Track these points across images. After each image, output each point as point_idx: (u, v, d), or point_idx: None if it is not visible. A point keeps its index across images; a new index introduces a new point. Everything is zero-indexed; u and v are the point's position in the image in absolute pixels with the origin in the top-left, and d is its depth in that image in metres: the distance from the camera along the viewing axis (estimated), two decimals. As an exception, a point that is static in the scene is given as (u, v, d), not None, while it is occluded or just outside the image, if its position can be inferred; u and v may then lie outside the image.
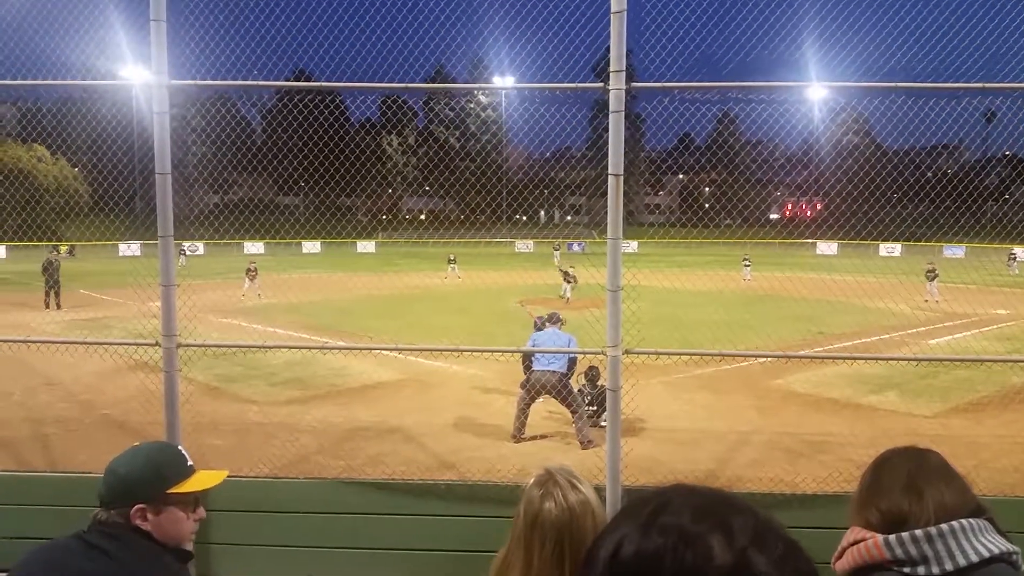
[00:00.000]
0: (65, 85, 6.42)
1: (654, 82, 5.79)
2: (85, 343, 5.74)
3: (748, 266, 34.03)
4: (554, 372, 9.39)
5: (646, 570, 0.78)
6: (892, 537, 1.64)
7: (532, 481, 1.97)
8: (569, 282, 26.34)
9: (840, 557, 1.74)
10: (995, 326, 20.30)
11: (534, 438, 9.74)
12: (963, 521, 1.63)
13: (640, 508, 0.85)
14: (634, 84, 5.30)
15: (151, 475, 2.28)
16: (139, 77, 6.00)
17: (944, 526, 1.62)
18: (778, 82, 5.66)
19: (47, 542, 2.17)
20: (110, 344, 5.71)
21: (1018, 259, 40.25)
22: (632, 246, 53.93)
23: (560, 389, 9.39)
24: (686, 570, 0.76)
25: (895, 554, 1.63)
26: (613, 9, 4.93)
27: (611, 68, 5.00)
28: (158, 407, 5.43)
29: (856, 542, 1.71)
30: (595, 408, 10.03)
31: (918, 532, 1.62)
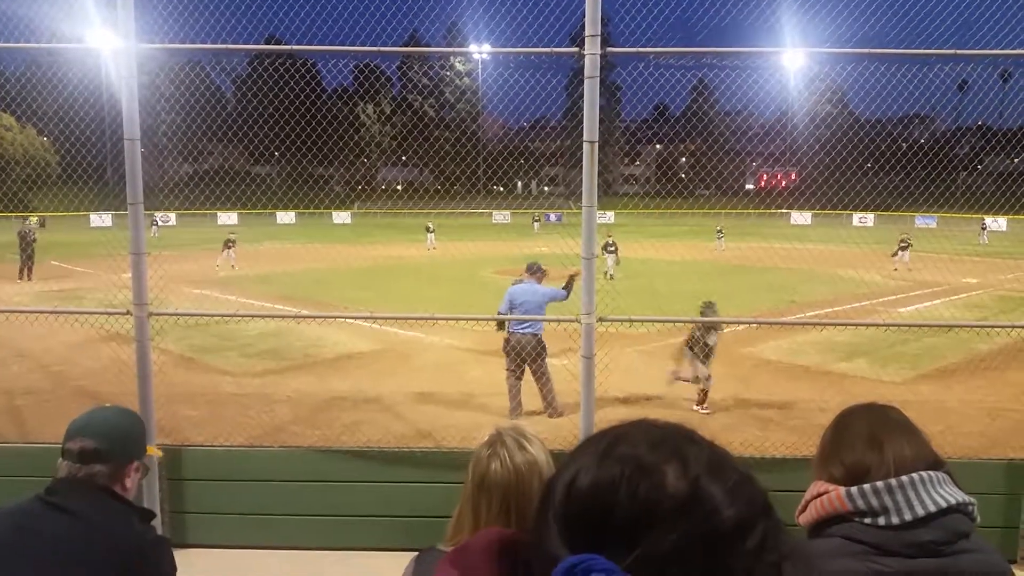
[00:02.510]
0: (28, 49, 6.27)
1: (629, 47, 5.78)
2: (55, 312, 5.68)
3: (722, 237, 34.35)
4: (532, 334, 9.00)
5: (602, 499, 0.79)
6: (854, 489, 1.68)
7: (483, 441, 1.99)
8: (611, 251, 23.81)
9: (804, 510, 1.78)
10: (964, 294, 20.63)
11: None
12: (922, 473, 1.67)
13: (598, 440, 0.86)
14: (609, 49, 5.27)
15: (141, 433, 2.31)
16: (107, 41, 5.88)
17: (904, 478, 1.66)
18: (751, 48, 5.66)
19: (3, 507, 2.13)
20: (81, 313, 5.67)
21: (988, 229, 40.80)
22: (608, 216, 54.08)
23: (533, 352, 9.00)
24: (641, 498, 0.77)
25: (856, 505, 1.67)
26: (588, -27, 4.90)
27: (586, 32, 4.97)
28: (131, 378, 5.38)
29: (819, 495, 1.74)
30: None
31: (879, 484, 1.66)
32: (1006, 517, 5.50)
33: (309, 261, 26.38)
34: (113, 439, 2.18)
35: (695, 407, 9.60)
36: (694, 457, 0.81)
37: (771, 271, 23.61)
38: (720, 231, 34.89)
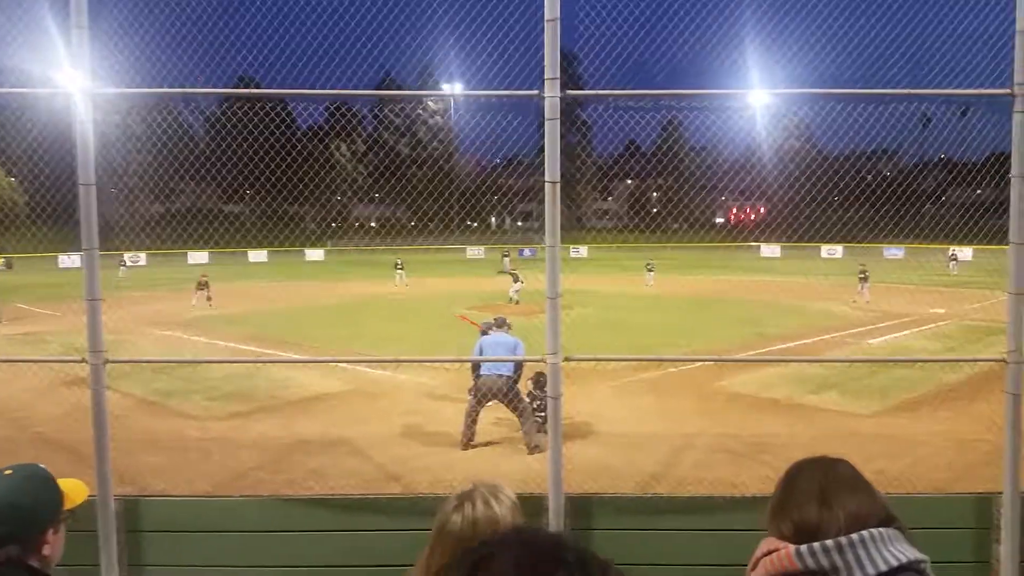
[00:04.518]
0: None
1: (590, 89, 5.82)
2: (9, 361, 5.54)
3: (651, 271, 33.52)
4: (500, 375, 9.47)
5: None
6: (803, 547, 1.64)
7: (457, 491, 2.00)
8: (517, 281, 26.12)
9: (754, 568, 1.73)
10: (932, 325, 20.86)
11: (481, 445, 9.70)
12: (873, 530, 1.63)
13: (465, 559, 0.81)
14: (569, 92, 5.30)
15: (54, 495, 2.21)
16: (63, 84, 5.82)
17: (854, 536, 1.62)
18: (710, 90, 5.71)
19: None
20: (35, 362, 5.54)
21: (958, 260, 41.23)
22: (581, 251, 54.35)
23: (507, 393, 9.44)
24: None
25: (806, 564, 1.63)
26: (547, 16, 4.93)
27: (546, 76, 4.99)
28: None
29: (769, 552, 1.70)
30: (543, 414, 10.02)
31: (829, 542, 1.62)
32: (976, 552, 5.47)
33: (280, 300, 26.19)
34: (15, 519, 2.06)
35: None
36: None
37: (741, 304, 23.79)
38: (650, 264, 33.87)
